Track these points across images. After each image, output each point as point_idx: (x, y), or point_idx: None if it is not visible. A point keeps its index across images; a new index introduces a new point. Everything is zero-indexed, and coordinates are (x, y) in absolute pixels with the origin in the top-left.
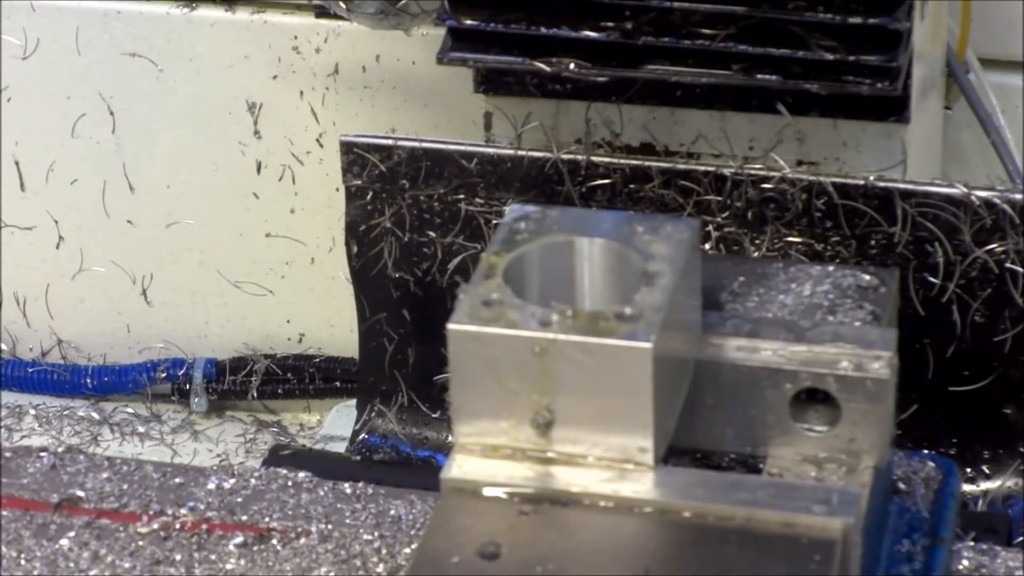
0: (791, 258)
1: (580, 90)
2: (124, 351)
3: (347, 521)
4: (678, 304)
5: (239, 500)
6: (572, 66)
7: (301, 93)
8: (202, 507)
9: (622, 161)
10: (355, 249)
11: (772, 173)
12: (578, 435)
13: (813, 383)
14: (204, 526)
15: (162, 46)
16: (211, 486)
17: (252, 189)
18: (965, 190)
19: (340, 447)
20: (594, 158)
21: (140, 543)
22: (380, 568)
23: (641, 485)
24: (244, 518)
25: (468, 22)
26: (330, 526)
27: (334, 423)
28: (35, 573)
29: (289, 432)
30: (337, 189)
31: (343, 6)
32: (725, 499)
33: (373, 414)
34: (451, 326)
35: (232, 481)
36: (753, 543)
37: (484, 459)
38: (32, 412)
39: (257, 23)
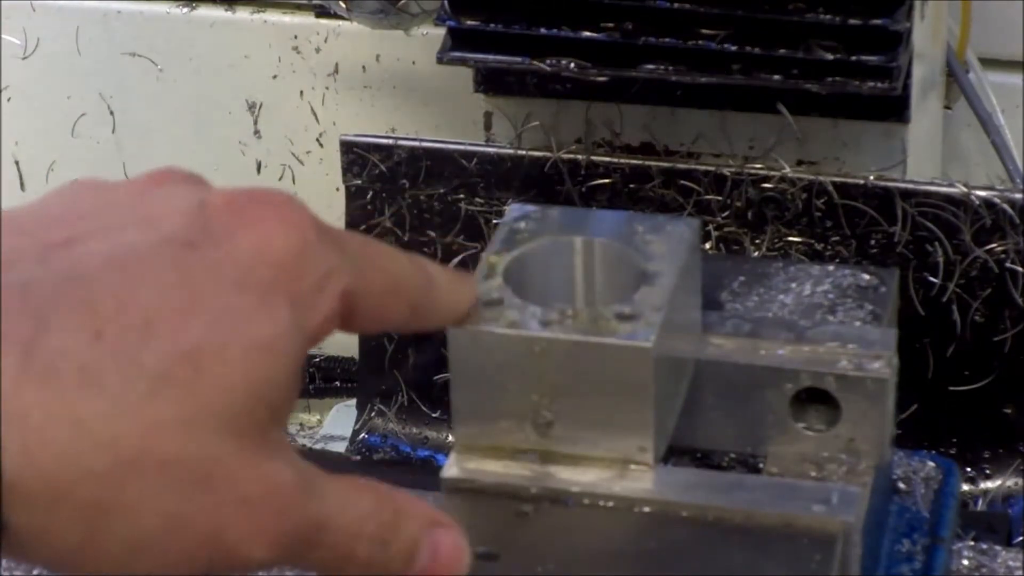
0: (791, 258)
1: (580, 90)
2: None
3: None
4: (678, 304)
5: None
6: (572, 66)
7: (301, 93)
8: None
9: (622, 161)
10: None
11: (772, 173)
12: (578, 435)
13: (813, 383)
14: None
15: (162, 46)
16: None
17: None
18: (965, 190)
19: (340, 447)
20: (594, 158)
21: None
22: None
23: (641, 484)
24: None
25: (468, 22)
26: None
27: (334, 423)
28: (35, 572)
29: (289, 432)
30: (337, 189)
31: (343, 6)
32: (725, 498)
33: (373, 414)
34: (451, 326)
35: None
36: (753, 543)
37: (484, 459)
38: None
39: (257, 23)
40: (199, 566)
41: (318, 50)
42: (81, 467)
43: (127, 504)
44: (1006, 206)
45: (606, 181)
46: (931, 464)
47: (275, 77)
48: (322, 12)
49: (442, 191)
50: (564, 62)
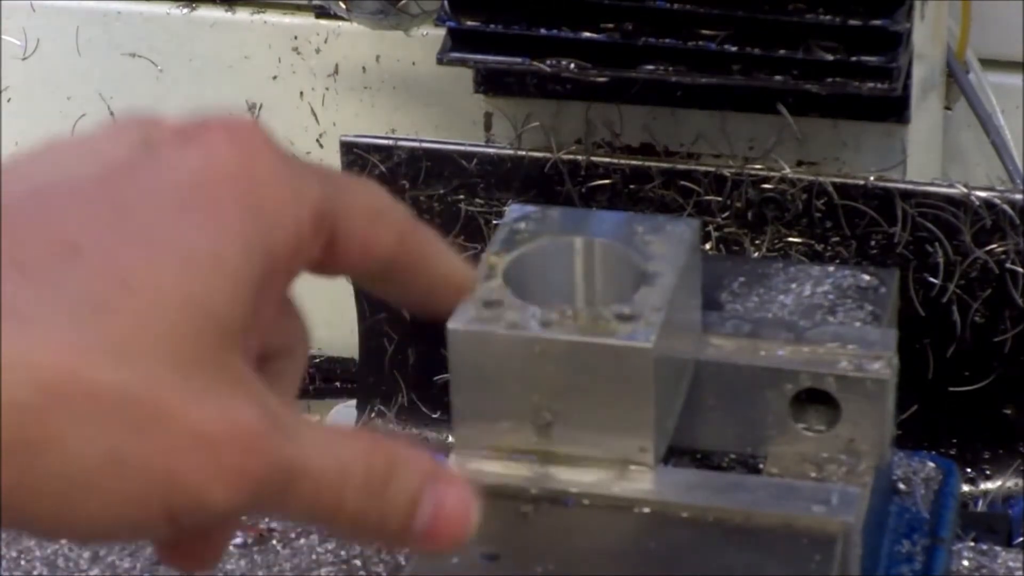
0: (791, 258)
1: (580, 90)
2: None
3: None
4: (678, 304)
5: None
6: (572, 66)
7: (301, 93)
8: None
9: (622, 161)
10: None
11: (772, 173)
12: (578, 435)
13: (813, 383)
14: None
15: (162, 46)
16: None
17: None
18: (965, 190)
19: None
20: (594, 158)
21: (140, 543)
22: (380, 568)
23: (641, 485)
24: (244, 518)
25: (468, 23)
26: None
27: (334, 423)
28: (35, 573)
29: None
30: None
31: (343, 6)
32: (725, 499)
33: (373, 414)
34: (451, 326)
35: None
36: (753, 543)
37: (484, 460)
38: None
39: (257, 23)
40: (156, 511)
41: (318, 51)
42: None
43: (57, 438)
44: (1006, 207)
45: (606, 182)
46: (931, 464)
47: (275, 78)
48: (322, 13)
49: (442, 192)
50: (564, 63)
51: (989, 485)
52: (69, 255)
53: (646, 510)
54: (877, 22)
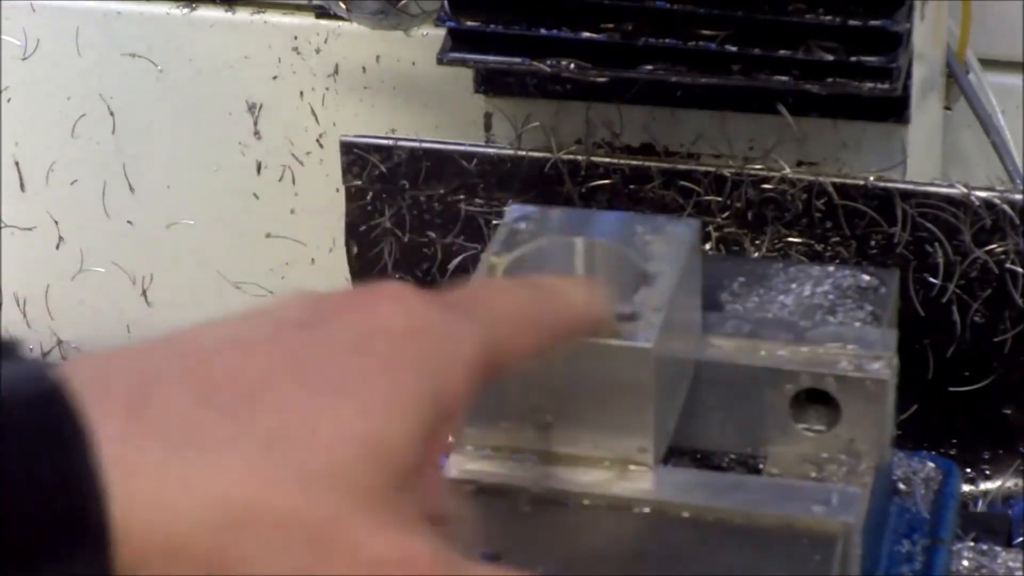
0: (791, 259)
1: (580, 91)
2: None
3: None
4: (678, 304)
5: None
6: (572, 67)
7: (301, 93)
8: None
9: (622, 161)
10: (355, 249)
11: (772, 173)
12: (578, 435)
13: (813, 383)
14: None
15: (162, 46)
16: None
17: (252, 190)
18: (965, 190)
19: None
20: (594, 158)
21: None
22: None
23: (641, 485)
24: None
25: (468, 23)
26: None
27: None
28: None
29: None
30: (337, 190)
31: (343, 6)
32: (725, 499)
33: None
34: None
35: None
36: (753, 543)
37: (484, 459)
38: None
39: (257, 23)
40: None
41: (318, 51)
42: (192, 521)
43: (246, 560)
44: (1006, 207)
45: (606, 182)
46: (931, 465)
47: (275, 78)
48: (322, 13)
49: (442, 192)
50: (564, 63)
51: (989, 485)
52: (253, 395)
53: (646, 510)
54: (877, 22)
